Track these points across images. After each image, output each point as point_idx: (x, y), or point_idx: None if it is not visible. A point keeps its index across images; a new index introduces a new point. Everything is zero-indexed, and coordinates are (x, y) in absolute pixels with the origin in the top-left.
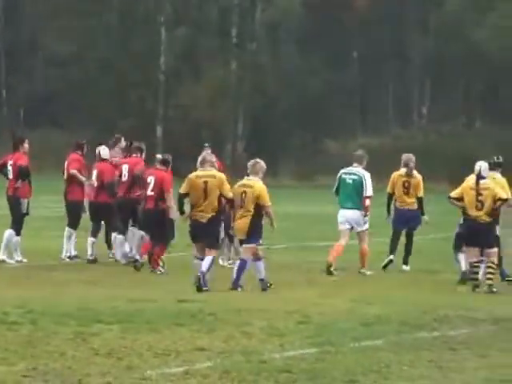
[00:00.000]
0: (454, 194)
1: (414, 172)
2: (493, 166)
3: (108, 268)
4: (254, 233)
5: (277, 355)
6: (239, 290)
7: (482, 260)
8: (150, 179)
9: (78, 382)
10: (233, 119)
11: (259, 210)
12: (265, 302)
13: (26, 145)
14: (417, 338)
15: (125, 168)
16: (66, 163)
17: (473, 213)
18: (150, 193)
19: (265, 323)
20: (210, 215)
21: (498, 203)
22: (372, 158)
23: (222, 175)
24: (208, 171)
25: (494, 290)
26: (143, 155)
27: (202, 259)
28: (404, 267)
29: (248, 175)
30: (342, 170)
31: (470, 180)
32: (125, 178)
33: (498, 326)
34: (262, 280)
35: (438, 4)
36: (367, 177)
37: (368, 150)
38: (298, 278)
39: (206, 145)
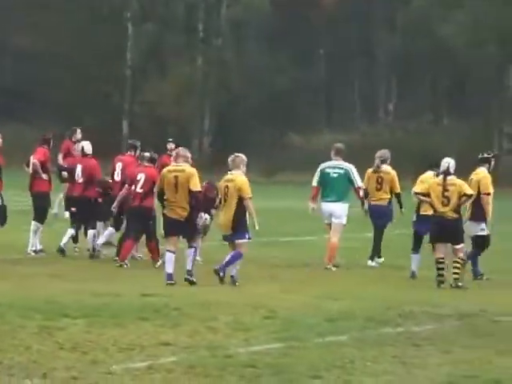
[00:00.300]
0: (420, 189)
1: (385, 167)
2: (478, 162)
3: (74, 262)
4: (239, 227)
5: (242, 350)
6: (221, 274)
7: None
8: (140, 176)
9: (43, 376)
10: (199, 115)
11: (242, 203)
12: (230, 297)
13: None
14: (381, 334)
15: (118, 166)
16: (31, 157)
17: (439, 209)
18: (139, 190)
19: (230, 318)
20: (185, 213)
21: (463, 199)
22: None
23: (192, 169)
24: (180, 166)
25: (460, 284)
26: (137, 152)
27: (174, 252)
28: (369, 263)
29: (230, 170)
30: (324, 165)
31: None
32: (118, 176)
33: (462, 321)
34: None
35: (405, 1)
36: (353, 168)
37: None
38: (263, 273)
39: (170, 140)
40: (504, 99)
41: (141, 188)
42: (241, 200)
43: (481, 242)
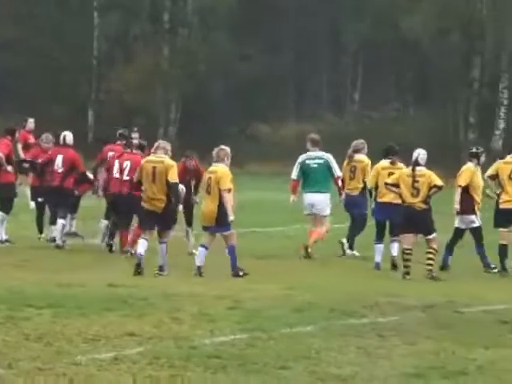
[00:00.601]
0: (391, 180)
1: (359, 156)
2: (469, 157)
3: (39, 252)
4: (222, 220)
5: (207, 341)
6: (241, 273)
7: (410, 249)
8: (126, 164)
9: (7, 367)
10: (165, 104)
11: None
12: (195, 288)
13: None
14: (346, 325)
15: (109, 155)
16: None
17: (408, 199)
18: (125, 177)
19: (195, 309)
20: (162, 205)
21: (433, 190)
22: (306, 144)
23: (171, 161)
24: (158, 157)
25: (434, 274)
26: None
27: (147, 240)
28: (349, 252)
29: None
30: (303, 157)
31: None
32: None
33: (427, 313)
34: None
35: None
36: (332, 158)
37: (302, 137)
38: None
39: (135, 129)
40: (469, 89)
41: (127, 175)
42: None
43: (477, 234)
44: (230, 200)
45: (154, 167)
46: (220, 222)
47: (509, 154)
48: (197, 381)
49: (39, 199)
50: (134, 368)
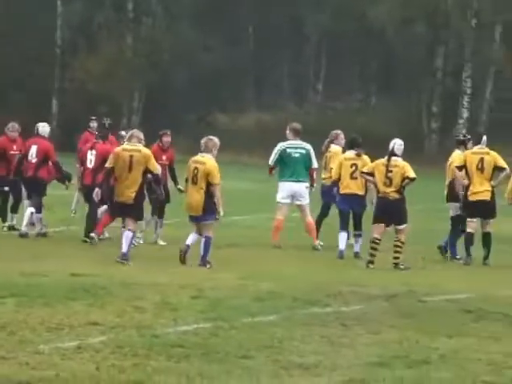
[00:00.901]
0: (366, 169)
1: (333, 147)
2: (456, 144)
3: (2, 241)
4: (208, 209)
5: (170, 330)
6: (208, 266)
7: (379, 239)
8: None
9: None
10: (128, 93)
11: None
12: (158, 277)
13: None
14: (309, 314)
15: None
16: None
17: (382, 189)
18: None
19: (158, 298)
20: (133, 194)
21: (406, 181)
22: (267, 134)
23: (148, 151)
24: (134, 146)
25: (402, 267)
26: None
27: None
28: (316, 244)
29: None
30: (285, 144)
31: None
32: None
33: (390, 302)
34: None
35: None
36: (312, 150)
37: (263, 126)
38: (191, 253)
39: (93, 118)
40: (433, 79)
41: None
42: (209, 184)
43: (458, 222)
44: (219, 194)
45: (131, 155)
46: (206, 211)
47: (476, 144)
48: (160, 369)
49: (5, 188)
50: (97, 357)
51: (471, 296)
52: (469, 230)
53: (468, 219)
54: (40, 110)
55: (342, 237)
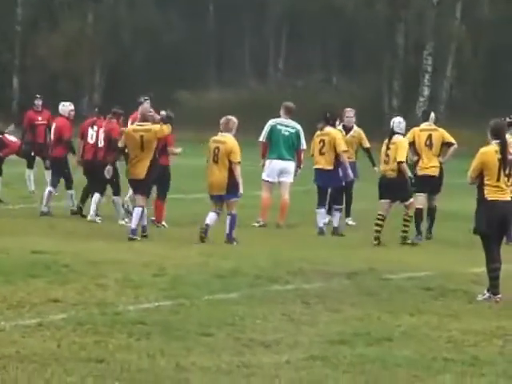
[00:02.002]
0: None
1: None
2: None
3: None
4: (231, 187)
5: (131, 307)
6: (235, 243)
7: (384, 216)
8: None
9: None
10: (89, 71)
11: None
12: (120, 254)
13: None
14: (270, 291)
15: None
16: None
17: (382, 167)
18: (100, 144)
19: (119, 275)
20: (145, 170)
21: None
22: (228, 112)
23: (157, 127)
24: (144, 125)
25: (409, 241)
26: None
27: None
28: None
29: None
30: (275, 121)
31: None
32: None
33: (351, 279)
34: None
35: None
36: (301, 130)
37: (224, 104)
38: (152, 231)
39: (38, 96)
40: (394, 57)
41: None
42: (231, 162)
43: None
44: (239, 172)
45: (142, 136)
46: (229, 190)
47: (424, 121)
48: (121, 347)
49: None
50: (58, 334)
51: (432, 274)
52: (417, 205)
53: (416, 194)
54: (1, 88)
55: (320, 214)
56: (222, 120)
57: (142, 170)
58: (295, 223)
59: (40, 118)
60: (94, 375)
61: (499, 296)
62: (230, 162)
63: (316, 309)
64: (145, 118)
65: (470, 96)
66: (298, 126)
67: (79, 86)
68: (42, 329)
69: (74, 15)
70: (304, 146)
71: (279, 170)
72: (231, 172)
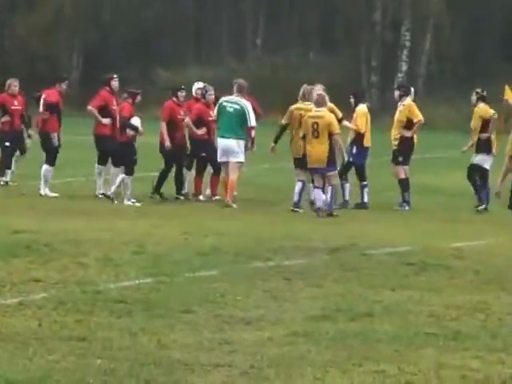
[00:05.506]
0: None
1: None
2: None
3: None
4: (332, 160)
5: (112, 285)
6: (335, 213)
7: None
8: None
9: None
10: (68, 51)
11: (331, 138)
12: (100, 233)
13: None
14: (252, 268)
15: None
16: None
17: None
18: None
19: (100, 254)
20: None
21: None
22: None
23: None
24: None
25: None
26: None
27: None
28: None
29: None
30: (224, 98)
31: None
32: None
33: (332, 255)
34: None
35: None
36: (249, 107)
37: (204, 81)
38: (131, 209)
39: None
40: (372, 32)
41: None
42: (330, 135)
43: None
44: (341, 142)
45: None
46: (329, 162)
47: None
48: (102, 325)
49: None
50: (40, 313)
51: (413, 248)
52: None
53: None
54: None
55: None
56: (315, 96)
57: None
58: (273, 200)
59: (16, 103)
60: (76, 354)
61: None
62: (330, 136)
63: (297, 285)
64: None
65: (448, 71)
66: (244, 103)
67: (58, 66)
68: (23, 308)
69: None
70: (252, 123)
71: (222, 149)
72: (331, 145)
